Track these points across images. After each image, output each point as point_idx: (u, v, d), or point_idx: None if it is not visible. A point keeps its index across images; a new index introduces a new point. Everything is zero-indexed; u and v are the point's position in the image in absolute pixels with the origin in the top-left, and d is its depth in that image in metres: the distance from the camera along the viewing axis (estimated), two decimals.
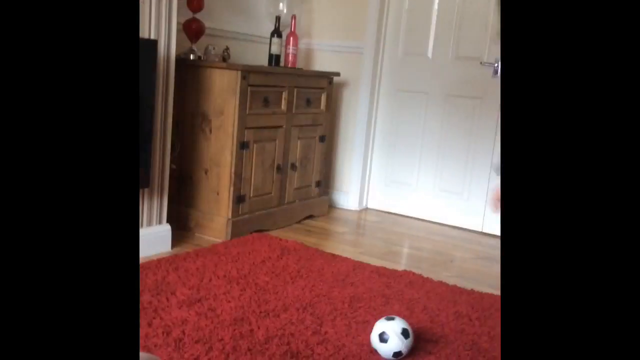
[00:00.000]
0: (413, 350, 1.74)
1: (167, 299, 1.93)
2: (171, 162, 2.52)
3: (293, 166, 3.09)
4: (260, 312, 1.91)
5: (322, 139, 3.28)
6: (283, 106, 2.94)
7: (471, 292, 2.29)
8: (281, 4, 3.24)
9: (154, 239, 2.43)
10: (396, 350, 1.66)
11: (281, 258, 2.48)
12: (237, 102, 2.64)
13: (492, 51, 3.21)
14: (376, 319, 1.91)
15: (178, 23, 2.40)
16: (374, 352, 1.71)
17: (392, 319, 1.72)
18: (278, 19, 3.14)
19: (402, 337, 1.67)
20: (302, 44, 3.57)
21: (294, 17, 3.25)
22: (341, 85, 3.58)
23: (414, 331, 1.87)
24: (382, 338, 1.67)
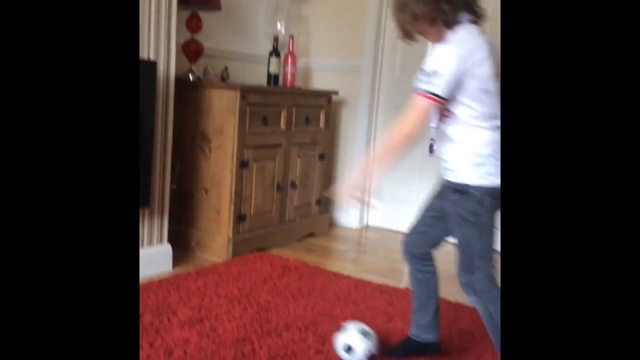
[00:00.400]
0: None
1: (169, 319, 1.92)
2: (171, 181, 2.52)
3: (293, 184, 3.09)
4: (262, 331, 1.90)
5: (321, 157, 3.29)
6: (282, 125, 2.95)
7: (474, 310, 2.27)
8: (279, 25, 3.27)
9: (155, 258, 2.43)
10: (368, 353, 1.66)
11: (282, 277, 2.47)
12: (237, 122, 2.65)
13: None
14: (379, 337, 1.90)
15: (177, 44, 2.42)
16: None
17: (345, 329, 1.71)
18: (276, 39, 3.17)
19: (363, 338, 1.66)
20: (301, 63, 3.60)
21: (292, 37, 3.28)
22: (340, 103, 3.59)
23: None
24: (348, 349, 1.66)
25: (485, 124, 1.44)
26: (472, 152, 1.46)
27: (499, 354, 1.55)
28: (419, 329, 1.76)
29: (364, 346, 1.65)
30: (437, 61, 1.39)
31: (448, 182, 1.52)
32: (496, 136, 1.42)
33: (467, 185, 1.46)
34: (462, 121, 1.46)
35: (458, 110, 1.45)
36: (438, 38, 1.44)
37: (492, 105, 1.42)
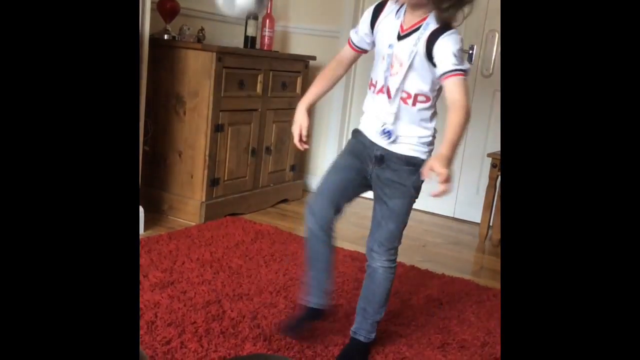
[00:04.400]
0: (384, 333, 1.77)
1: (140, 282, 1.92)
2: (144, 143, 2.49)
3: (268, 150, 3.08)
4: (234, 295, 1.92)
5: None
6: (258, 89, 2.92)
7: (442, 277, 2.33)
8: None
9: None
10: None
11: (255, 242, 2.48)
12: (212, 84, 2.61)
13: (467, 38, 3.23)
14: (348, 303, 1.93)
15: (152, 2, 2.36)
16: (346, 335, 1.73)
17: None
18: None
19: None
20: (279, 26, 3.54)
21: None
22: (317, 69, 3.56)
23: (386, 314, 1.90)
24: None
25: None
26: (431, 133, 1.51)
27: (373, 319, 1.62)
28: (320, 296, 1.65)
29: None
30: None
31: (393, 152, 1.50)
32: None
33: (420, 160, 1.48)
34: (432, 105, 1.49)
35: (434, 94, 1.48)
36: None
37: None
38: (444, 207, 3.42)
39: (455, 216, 3.39)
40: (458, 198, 3.38)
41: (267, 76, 2.95)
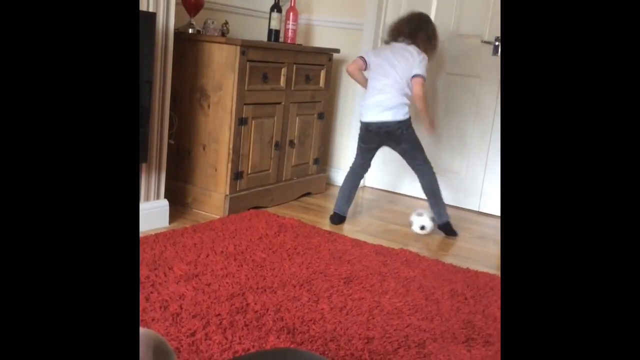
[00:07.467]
0: (408, 327, 1.76)
1: (165, 274, 1.94)
2: (169, 137, 2.51)
3: (291, 143, 3.08)
4: (257, 288, 1.92)
5: (320, 116, 3.27)
6: (282, 82, 2.92)
7: (467, 271, 2.31)
8: None
9: (152, 214, 2.44)
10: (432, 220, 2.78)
11: (278, 235, 2.48)
12: (236, 78, 2.62)
13: (493, 29, 3.18)
14: (372, 297, 1.93)
15: None
16: (370, 329, 1.72)
17: (419, 214, 2.79)
18: None
19: (424, 217, 2.78)
20: (302, 19, 3.53)
21: None
22: (341, 62, 3.55)
23: (410, 308, 1.89)
24: (422, 227, 2.76)
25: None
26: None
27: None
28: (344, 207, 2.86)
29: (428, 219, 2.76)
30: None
31: None
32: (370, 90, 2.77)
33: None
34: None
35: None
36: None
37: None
38: (469, 200, 3.38)
39: (481, 210, 3.35)
40: (483, 192, 3.34)
41: (290, 69, 2.94)
